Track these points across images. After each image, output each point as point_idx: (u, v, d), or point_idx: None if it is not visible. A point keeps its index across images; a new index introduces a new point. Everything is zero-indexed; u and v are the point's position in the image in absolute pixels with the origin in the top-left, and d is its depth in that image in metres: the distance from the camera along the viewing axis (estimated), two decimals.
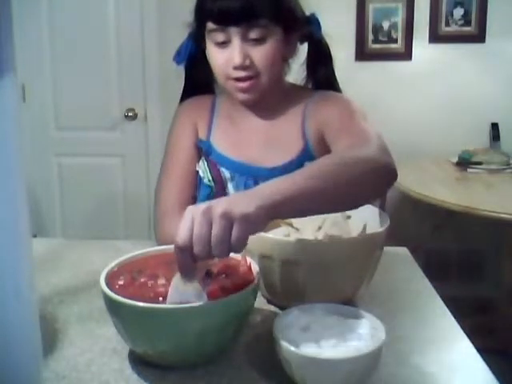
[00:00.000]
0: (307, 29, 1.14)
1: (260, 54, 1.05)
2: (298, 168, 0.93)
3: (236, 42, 1.04)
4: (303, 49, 1.19)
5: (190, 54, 1.17)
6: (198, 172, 1.16)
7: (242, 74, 1.05)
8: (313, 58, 1.18)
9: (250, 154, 1.15)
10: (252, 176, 1.13)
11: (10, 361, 0.56)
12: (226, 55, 1.05)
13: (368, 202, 0.88)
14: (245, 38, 1.04)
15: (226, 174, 1.14)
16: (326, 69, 1.19)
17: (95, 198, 2.93)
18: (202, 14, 1.07)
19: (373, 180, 0.82)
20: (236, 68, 1.04)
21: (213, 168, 1.15)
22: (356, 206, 0.81)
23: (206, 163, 1.15)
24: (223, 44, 1.05)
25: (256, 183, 1.10)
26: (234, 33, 1.03)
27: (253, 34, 1.04)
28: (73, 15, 2.79)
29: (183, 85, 1.23)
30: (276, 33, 1.06)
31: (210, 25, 1.05)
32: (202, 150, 1.17)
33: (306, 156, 1.11)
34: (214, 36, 1.06)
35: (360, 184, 0.78)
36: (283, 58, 1.13)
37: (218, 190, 1.13)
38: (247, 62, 1.04)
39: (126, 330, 0.67)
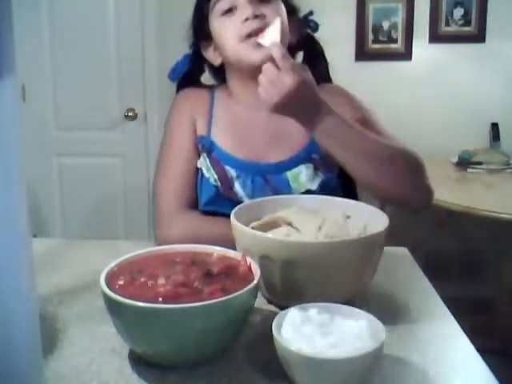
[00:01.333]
0: (304, 31, 1.16)
1: (270, 9, 1.06)
2: (306, 159, 1.11)
3: (243, 1, 1.05)
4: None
5: (186, 72, 1.19)
6: (198, 169, 1.13)
7: (253, 24, 1.04)
8: (309, 58, 1.20)
9: (255, 150, 1.13)
10: (259, 173, 1.12)
11: (10, 361, 0.56)
12: (234, 20, 1.06)
13: (399, 195, 1.01)
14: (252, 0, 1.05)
15: (231, 172, 1.11)
16: (323, 67, 1.21)
17: (95, 198, 2.93)
18: None
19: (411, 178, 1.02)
20: (247, 19, 1.04)
21: (216, 166, 1.11)
22: (386, 192, 1.01)
23: (207, 160, 1.12)
24: (229, 12, 1.07)
25: (265, 179, 1.11)
26: None
27: None
28: (73, 15, 2.79)
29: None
30: (280, 3, 1.09)
31: None
32: (204, 147, 1.14)
33: (312, 148, 1.11)
34: (219, 6, 1.07)
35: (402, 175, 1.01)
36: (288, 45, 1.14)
37: (225, 189, 1.10)
38: (258, 12, 1.05)
39: (126, 329, 0.67)
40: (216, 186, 1.10)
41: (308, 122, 0.97)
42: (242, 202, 1.07)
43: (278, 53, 0.93)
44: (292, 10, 1.14)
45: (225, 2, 1.06)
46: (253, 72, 1.02)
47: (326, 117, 0.96)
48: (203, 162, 1.13)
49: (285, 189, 1.10)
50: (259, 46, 1.03)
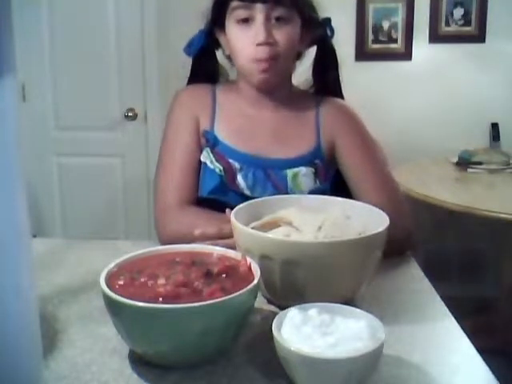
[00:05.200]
0: (320, 32, 1.16)
1: (282, 34, 1.08)
2: (309, 163, 1.13)
3: (260, 19, 1.06)
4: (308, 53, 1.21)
5: (201, 47, 1.19)
6: (201, 163, 1.14)
7: (265, 52, 1.07)
8: (320, 63, 1.20)
9: (258, 144, 1.15)
10: (261, 167, 1.13)
11: (10, 361, 0.56)
12: (248, 34, 1.07)
13: None
14: (268, 17, 1.07)
15: (235, 165, 1.13)
16: (333, 74, 1.21)
17: (95, 198, 2.92)
18: None
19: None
20: (260, 44, 1.06)
21: (220, 159, 1.13)
22: None
23: (211, 155, 1.13)
24: (245, 22, 1.07)
25: (266, 174, 1.13)
26: (259, 10, 1.06)
27: (276, 13, 1.07)
28: (73, 15, 2.79)
29: (189, 75, 1.23)
30: (296, 20, 1.10)
31: (235, 2, 1.07)
32: (208, 141, 1.14)
33: (317, 155, 1.14)
34: (236, 13, 1.08)
35: None
36: (297, 53, 1.15)
37: (229, 181, 1.12)
38: (271, 40, 1.06)
39: (126, 329, 0.67)
40: (221, 176, 1.12)
41: None
42: (243, 194, 1.10)
43: None
44: (308, 21, 1.13)
45: (243, 12, 1.07)
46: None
47: None
48: (207, 156, 1.13)
49: (283, 186, 1.12)
50: (264, 70, 1.08)
